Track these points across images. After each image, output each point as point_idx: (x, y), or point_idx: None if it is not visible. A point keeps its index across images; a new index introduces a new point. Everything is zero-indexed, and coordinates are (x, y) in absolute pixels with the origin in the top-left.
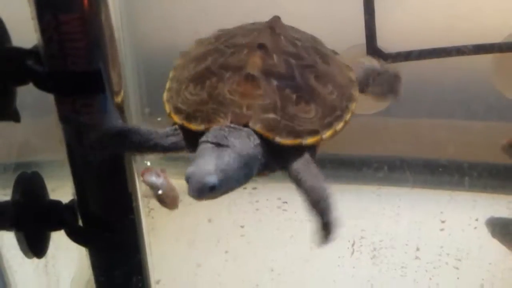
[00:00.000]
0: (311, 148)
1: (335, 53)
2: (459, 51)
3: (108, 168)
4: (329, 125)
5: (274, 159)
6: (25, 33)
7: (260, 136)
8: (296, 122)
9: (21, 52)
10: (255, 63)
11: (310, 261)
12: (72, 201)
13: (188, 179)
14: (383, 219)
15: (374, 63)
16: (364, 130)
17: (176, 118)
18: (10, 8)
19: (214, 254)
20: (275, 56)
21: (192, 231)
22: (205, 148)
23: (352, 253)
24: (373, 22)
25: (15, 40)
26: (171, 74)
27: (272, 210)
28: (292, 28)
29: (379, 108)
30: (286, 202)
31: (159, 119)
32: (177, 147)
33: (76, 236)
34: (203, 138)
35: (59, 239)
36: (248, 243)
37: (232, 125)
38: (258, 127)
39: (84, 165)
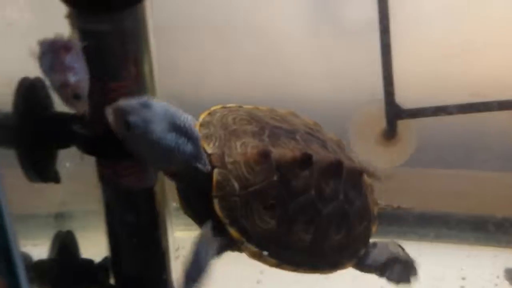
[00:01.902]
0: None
1: (363, 169)
2: (477, 107)
3: (144, 228)
4: (263, 249)
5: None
6: None
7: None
8: (244, 213)
9: (66, 117)
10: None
11: None
12: (105, 260)
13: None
14: None
15: (399, 250)
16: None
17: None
18: None
19: None
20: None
21: None
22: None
23: None
24: (391, 78)
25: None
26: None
27: None
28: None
29: (399, 162)
30: None
31: None
32: None
33: None
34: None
35: None
36: None
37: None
38: (216, 177)
39: (121, 224)
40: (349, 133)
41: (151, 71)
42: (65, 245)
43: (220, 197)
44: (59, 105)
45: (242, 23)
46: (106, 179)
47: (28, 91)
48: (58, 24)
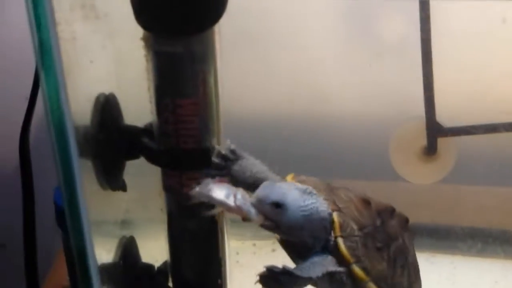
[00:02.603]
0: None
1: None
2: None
3: (203, 234)
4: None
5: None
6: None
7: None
8: (364, 252)
9: (136, 130)
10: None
11: None
12: (164, 264)
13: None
14: None
15: None
16: (420, 198)
17: None
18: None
19: None
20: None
21: None
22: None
23: None
24: (432, 96)
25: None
26: None
27: None
28: None
29: (437, 178)
30: None
31: None
32: None
33: None
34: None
35: None
36: None
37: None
38: (336, 219)
39: (182, 232)
40: (390, 149)
41: (216, 90)
42: (127, 249)
43: (344, 237)
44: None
45: (279, 38)
46: (170, 189)
47: (103, 106)
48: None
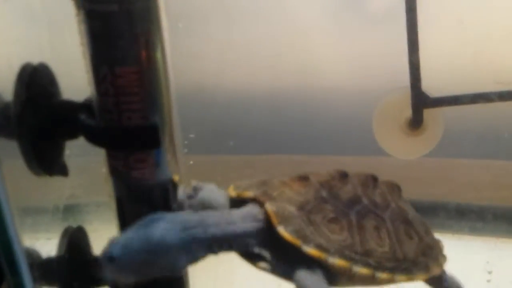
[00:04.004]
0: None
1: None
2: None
3: None
4: (350, 259)
5: (278, 257)
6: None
7: (267, 223)
8: (313, 229)
9: (73, 106)
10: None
11: None
12: None
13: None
14: None
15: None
16: (405, 173)
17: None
18: (62, 61)
19: None
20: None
21: None
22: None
23: None
24: (417, 64)
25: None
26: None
27: None
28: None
29: (423, 153)
30: None
31: (191, 162)
32: None
33: None
34: None
35: None
36: None
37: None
38: (269, 209)
39: (134, 219)
40: (373, 121)
41: (163, 57)
42: (75, 241)
43: (283, 223)
44: (66, 93)
45: (264, 10)
46: (117, 172)
47: (31, 78)
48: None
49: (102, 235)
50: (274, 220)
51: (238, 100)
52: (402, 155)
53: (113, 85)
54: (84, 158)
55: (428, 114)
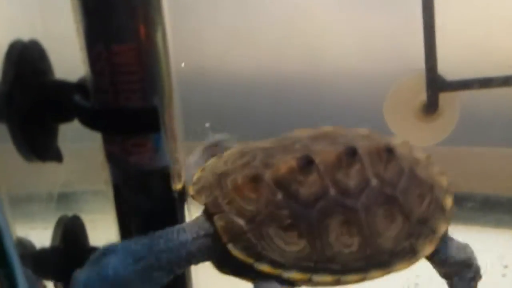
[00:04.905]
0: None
1: (388, 145)
2: None
3: (158, 213)
4: (308, 271)
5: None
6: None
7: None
8: (265, 244)
9: (66, 86)
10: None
11: None
12: None
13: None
14: None
15: (475, 257)
16: None
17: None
18: (55, 38)
19: None
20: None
21: None
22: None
23: None
24: (434, 48)
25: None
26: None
27: None
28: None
29: (437, 140)
30: None
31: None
32: None
33: None
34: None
35: None
36: None
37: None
38: (218, 224)
39: (132, 210)
40: (384, 106)
41: (163, 34)
42: (70, 231)
43: (232, 240)
44: (60, 73)
45: None
46: (114, 158)
47: (21, 56)
48: None
49: (98, 225)
50: (223, 237)
51: (242, 84)
52: (414, 142)
53: (109, 63)
54: (79, 143)
55: (444, 98)
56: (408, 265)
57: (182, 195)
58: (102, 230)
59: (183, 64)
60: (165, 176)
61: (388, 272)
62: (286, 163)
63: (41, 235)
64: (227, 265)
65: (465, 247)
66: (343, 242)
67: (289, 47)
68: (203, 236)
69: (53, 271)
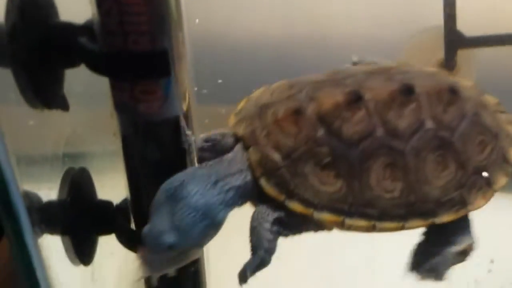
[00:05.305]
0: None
1: (451, 86)
2: None
3: (168, 165)
4: (342, 213)
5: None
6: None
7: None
8: (298, 182)
9: (72, 28)
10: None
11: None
12: (124, 202)
13: (144, 240)
14: None
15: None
16: None
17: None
18: None
19: None
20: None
21: None
22: (159, 200)
23: None
24: (453, 2)
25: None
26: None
27: None
28: None
29: None
30: None
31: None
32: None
33: (128, 241)
34: (161, 186)
35: (105, 243)
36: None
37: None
38: (252, 157)
39: (142, 160)
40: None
41: None
42: (77, 183)
43: (264, 175)
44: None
45: None
46: (122, 106)
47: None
48: None
49: (106, 184)
50: (256, 171)
51: (248, 49)
52: None
53: (117, 3)
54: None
55: (462, 56)
56: (454, 217)
57: (192, 146)
58: (109, 187)
59: (197, 21)
60: (175, 126)
61: (431, 223)
62: (331, 97)
63: (50, 196)
64: (262, 203)
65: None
66: (384, 186)
67: (296, 11)
68: (240, 171)
69: (60, 224)
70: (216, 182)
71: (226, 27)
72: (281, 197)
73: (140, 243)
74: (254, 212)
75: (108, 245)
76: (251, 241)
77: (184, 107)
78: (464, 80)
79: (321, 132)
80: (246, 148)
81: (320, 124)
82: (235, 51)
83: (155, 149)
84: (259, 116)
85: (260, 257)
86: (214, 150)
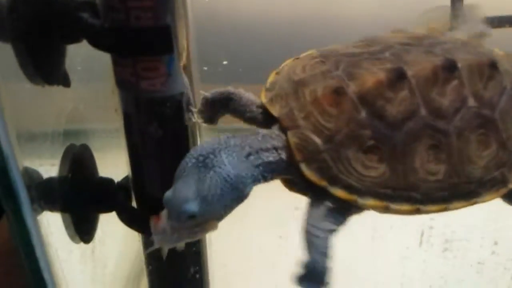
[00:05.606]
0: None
1: (492, 61)
2: None
3: (169, 142)
4: (386, 198)
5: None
6: None
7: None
8: (342, 167)
9: (74, 3)
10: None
11: (375, 251)
12: (126, 179)
13: (166, 204)
14: None
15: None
16: None
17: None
18: None
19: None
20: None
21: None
22: (188, 166)
23: (420, 244)
24: None
25: None
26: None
27: None
28: None
29: None
30: None
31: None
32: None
33: (129, 219)
34: (190, 152)
35: (106, 221)
36: None
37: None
38: (291, 141)
39: (143, 137)
40: None
41: None
42: (78, 160)
43: (305, 160)
44: None
45: None
46: (124, 83)
47: None
48: None
49: (108, 162)
50: (296, 156)
51: (255, 28)
52: None
53: None
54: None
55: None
56: (496, 197)
57: (195, 123)
58: (110, 164)
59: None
60: (178, 101)
61: (473, 203)
62: (373, 76)
63: (51, 172)
64: (297, 185)
65: None
66: (429, 169)
67: None
68: (274, 148)
69: (60, 201)
70: (249, 155)
71: (232, 7)
72: (323, 183)
73: (156, 211)
74: (305, 223)
75: (109, 223)
76: (309, 253)
77: (188, 85)
78: (496, 49)
79: (363, 114)
80: (282, 129)
81: (362, 105)
82: (241, 31)
83: (157, 126)
84: (295, 95)
85: (324, 267)
86: (227, 106)
